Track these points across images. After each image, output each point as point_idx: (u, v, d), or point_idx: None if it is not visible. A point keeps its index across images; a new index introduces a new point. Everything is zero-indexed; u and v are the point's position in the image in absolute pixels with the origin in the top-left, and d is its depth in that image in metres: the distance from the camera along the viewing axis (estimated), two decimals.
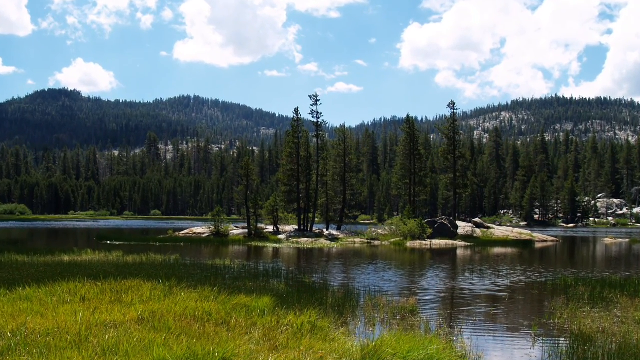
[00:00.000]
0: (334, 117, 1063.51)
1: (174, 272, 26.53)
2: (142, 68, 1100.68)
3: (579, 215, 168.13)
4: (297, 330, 14.20)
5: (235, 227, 75.42)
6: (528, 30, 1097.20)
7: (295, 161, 74.61)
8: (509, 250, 57.58)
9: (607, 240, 78.24)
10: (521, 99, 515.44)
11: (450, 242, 64.06)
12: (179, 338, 12.33)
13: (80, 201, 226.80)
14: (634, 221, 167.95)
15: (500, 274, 33.66)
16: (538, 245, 67.00)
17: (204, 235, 68.46)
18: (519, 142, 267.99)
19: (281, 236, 68.41)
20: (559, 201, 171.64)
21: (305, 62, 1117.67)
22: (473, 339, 16.16)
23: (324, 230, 75.84)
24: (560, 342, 15.73)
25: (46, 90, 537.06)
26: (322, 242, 62.50)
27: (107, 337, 12.11)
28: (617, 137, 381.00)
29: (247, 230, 69.74)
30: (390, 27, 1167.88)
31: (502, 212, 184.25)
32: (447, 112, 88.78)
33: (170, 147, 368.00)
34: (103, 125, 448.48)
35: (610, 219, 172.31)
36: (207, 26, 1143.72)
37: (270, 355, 11.70)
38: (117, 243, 57.27)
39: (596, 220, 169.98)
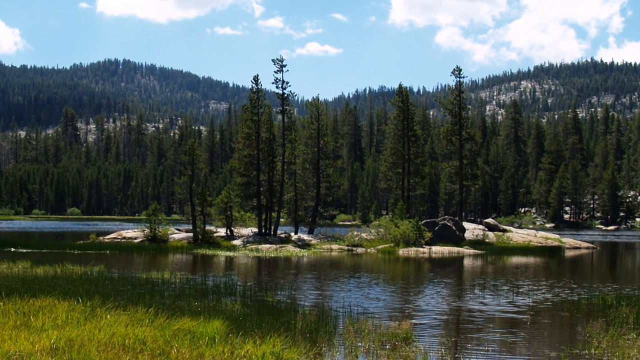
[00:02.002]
0: (304, 88, 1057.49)
1: (98, 289, 26.47)
2: (57, 24, 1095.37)
3: (621, 214, 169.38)
4: None
5: (177, 230, 75.30)
6: None
7: (254, 145, 74.41)
8: (531, 259, 58.04)
9: None
10: (547, 65, 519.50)
11: (455, 249, 64.38)
12: None
13: None
14: None
15: (520, 290, 33.91)
16: (569, 253, 67.53)
17: (136, 241, 68.27)
18: (544, 120, 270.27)
19: (236, 242, 68.45)
20: (595, 196, 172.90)
21: (268, 16, 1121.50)
22: None
23: (292, 233, 75.94)
24: None
25: None
26: (290, 250, 62.59)
27: None
28: None
29: (192, 234, 69.62)
30: None
31: (523, 210, 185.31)
32: (451, 82, 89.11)
33: (92, 127, 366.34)
34: (5, 98, 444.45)
35: None
36: None
37: None
38: (24, 251, 56.85)
39: None
